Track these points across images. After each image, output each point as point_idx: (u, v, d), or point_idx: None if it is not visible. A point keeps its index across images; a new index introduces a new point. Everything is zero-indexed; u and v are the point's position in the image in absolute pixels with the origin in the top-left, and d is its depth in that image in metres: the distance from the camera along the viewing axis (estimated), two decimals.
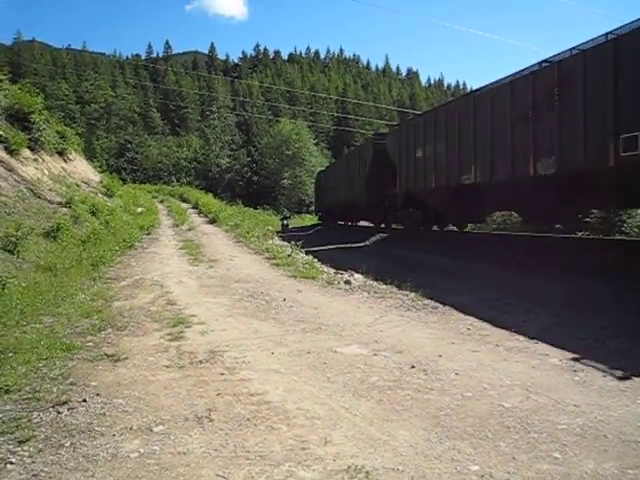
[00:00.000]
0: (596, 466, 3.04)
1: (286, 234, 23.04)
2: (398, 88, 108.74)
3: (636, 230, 17.53)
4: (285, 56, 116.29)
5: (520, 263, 10.82)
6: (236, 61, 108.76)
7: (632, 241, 13.20)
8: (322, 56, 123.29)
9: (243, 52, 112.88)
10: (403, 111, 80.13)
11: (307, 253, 14.07)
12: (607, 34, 9.81)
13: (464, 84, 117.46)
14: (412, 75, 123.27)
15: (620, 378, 4.51)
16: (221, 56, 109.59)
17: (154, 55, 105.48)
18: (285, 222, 31.52)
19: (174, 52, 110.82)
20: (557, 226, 14.97)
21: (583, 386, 4.35)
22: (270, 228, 23.84)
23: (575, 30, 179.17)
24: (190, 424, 3.70)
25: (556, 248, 11.82)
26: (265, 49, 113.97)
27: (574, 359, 5.05)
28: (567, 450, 3.23)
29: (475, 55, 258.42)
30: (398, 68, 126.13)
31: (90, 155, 41.66)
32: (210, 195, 40.18)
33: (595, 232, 16.26)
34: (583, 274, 9.08)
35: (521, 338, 5.85)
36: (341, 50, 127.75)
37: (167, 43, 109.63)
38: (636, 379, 4.46)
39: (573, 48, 10.75)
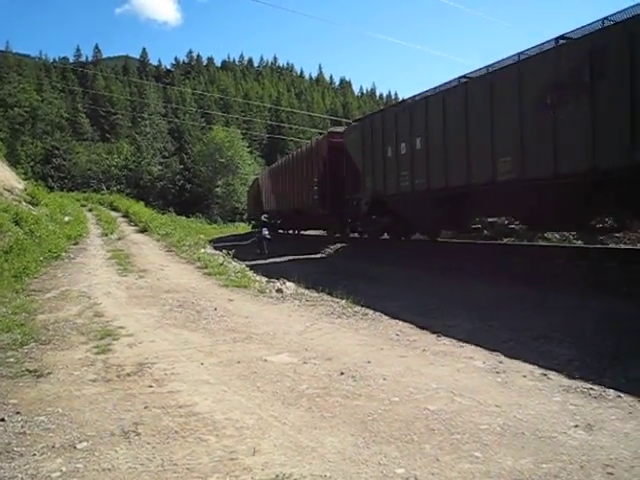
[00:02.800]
0: (514, 462, 3.16)
1: (264, 246, 19.84)
2: (331, 97, 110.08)
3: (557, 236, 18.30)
4: (219, 63, 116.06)
5: (462, 268, 11.15)
6: (169, 67, 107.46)
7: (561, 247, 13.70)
8: (256, 64, 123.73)
9: (176, 58, 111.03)
10: (336, 120, 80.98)
11: (250, 267, 13.59)
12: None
13: (395, 94, 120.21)
14: (345, 84, 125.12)
15: (538, 378, 4.72)
16: (153, 62, 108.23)
17: (82, 59, 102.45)
18: (264, 231, 20.67)
19: (104, 56, 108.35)
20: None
21: (504, 387, 4.52)
22: (202, 237, 23.48)
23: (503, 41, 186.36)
24: (116, 439, 3.60)
25: (505, 255, 12.18)
26: (198, 55, 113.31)
27: (497, 361, 5.24)
28: (488, 449, 3.35)
29: (406, 66, 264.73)
30: (331, 77, 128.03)
31: (14, 161, 39.98)
32: (141, 203, 39.14)
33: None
34: (518, 280, 9.50)
35: (448, 342, 6.02)
36: (275, 58, 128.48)
37: (96, 47, 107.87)
38: (553, 377, 4.68)
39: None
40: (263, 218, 21.90)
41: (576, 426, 3.67)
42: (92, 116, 77.57)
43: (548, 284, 9.12)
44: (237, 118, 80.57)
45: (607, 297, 7.87)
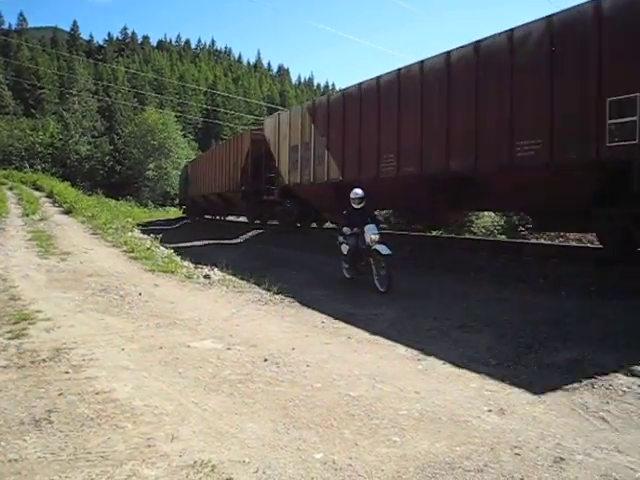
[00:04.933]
0: (429, 446, 3.24)
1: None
2: (269, 84, 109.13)
3: (483, 230, 19.03)
4: (154, 42, 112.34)
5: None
6: (101, 43, 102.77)
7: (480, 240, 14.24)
8: (193, 45, 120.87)
9: (109, 34, 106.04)
10: (273, 107, 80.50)
11: (171, 249, 13.49)
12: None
13: (333, 85, 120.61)
14: (283, 72, 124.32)
15: (457, 365, 4.86)
16: (84, 36, 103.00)
17: (5, 27, 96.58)
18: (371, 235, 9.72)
19: (30, 26, 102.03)
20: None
21: (425, 374, 4.63)
22: (130, 220, 22.82)
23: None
24: (26, 428, 3.44)
25: (429, 247, 12.65)
26: (133, 33, 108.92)
27: (419, 349, 5.36)
28: (405, 433, 3.42)
29: (343, 57, 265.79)
30: (270, 64, 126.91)
31: None
32: (67, 184, 37.55)
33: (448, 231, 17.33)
34: (443, 270, 9.74)
35: (372, 330, 6.11)
36: (213, 41, 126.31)
37: (21, 14, 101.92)
38: (471, 365, 4.83)
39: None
40: (354, 204, 9.37)
41: (489, 411, 3.80)
42: (15, 89, 73.40)
43: (472, 276, 9.41)
44: (171, 100, 78.72)
45: (525, 289, 8.20)
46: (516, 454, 3.16)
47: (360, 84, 13.57)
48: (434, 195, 11.58)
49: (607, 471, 2.96)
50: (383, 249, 8.28)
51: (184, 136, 64.30)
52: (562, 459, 3.09)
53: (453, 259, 10.85)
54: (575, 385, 4.34)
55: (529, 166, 9.07)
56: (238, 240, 19.30)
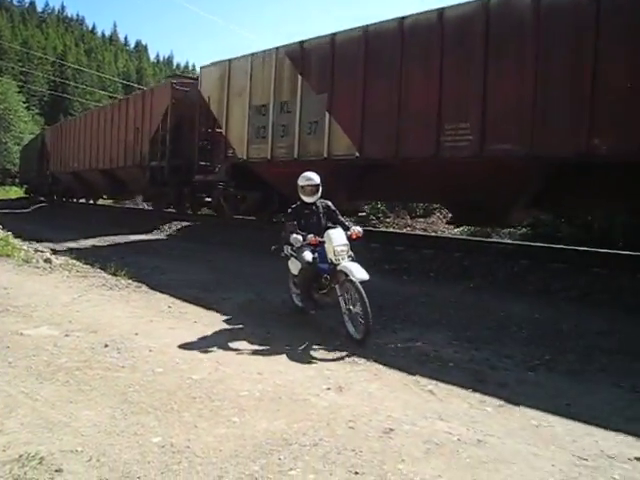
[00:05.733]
0: (268, 424, 3.34)
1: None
2: (125, 60, 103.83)
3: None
4: None
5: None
6: None
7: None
8: (39, 9, 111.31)
9: None
10: (129, 84, 76.73)
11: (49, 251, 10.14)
12: None
13: (193, 65, 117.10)
14: (140, 48, 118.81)
15: (301, 346, 5.04)
16: None
17: None
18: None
19: None
20: None
21: (266, 356, 4.74)
22: None
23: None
24: None
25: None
26: None
27: (265, 332, 5.48)
28: (245, 414, 3.49)
29: (204, 38, 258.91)
30: (126, 39, 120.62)
31: None
32: None
33: None
34: None
35: (219, 315, 6.14)
36: (63, 7, 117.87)
37: None
38: (313, 345, 5.04)
39: None
40: (305, 196, 6.15)
41: (328, 389, 4.00)
42: None
43: None
44: (13, 67, 72.13)
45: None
46: (350, 427, 3.35)
47: (403, 19, 9.38)
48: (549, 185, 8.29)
49: (429, 437, 3.25)
50: (356, 270, 5.23)
51: (27, 109, 59.20)
52: (391, 430, 3.33)
53: None
54: (410, 362, 4.68)
55: None
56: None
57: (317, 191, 5.95)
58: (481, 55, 8.22)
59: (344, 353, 4.87)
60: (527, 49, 7.77)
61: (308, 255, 5.59)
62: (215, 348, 4.84)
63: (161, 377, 4.06)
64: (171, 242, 14.16)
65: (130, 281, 7.64)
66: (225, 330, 5.52)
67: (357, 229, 5.70)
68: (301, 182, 5.96)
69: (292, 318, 6.18)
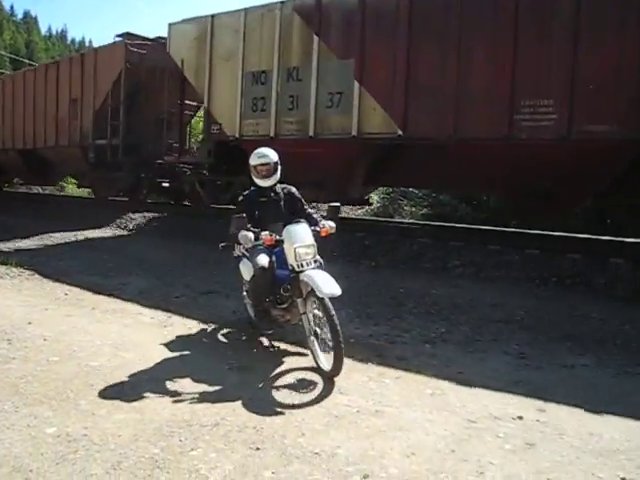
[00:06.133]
0: (169, 408, 3.32)
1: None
2: (12, 32, 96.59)
3: None
4: None
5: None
6: None
7: None
8: None
9: None
10: (18, 59, 71.84)
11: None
12: None
13: (90, 41, 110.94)
14: (30, 20, 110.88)
15: (203, 328, 5.04)
16: None
17: None
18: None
19: None
20: None
21: (167, 339, 4.71)
22: None
23: None
24: None
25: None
26: None
27: (166, 316, 5.41)
28: (145, 399, 3.44)
29: (101, 12, 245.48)
30: (13, 8, 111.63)
31: None
32: None
33: None
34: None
35: (118, 300, 6.00)
36: None
37: None
38: (216, 327, 5.03)
39: None
40: (259, 178, 4.79)
41: (230, 369, 4.02)
42: None
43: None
44: None
45: None
46: (251, 404, 3.40)
47: None
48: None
49: (330, 410, 3.34)
50: (322, 283, 3.92)
51: None
52: (293, 405, 3.43)
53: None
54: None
55: None
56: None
57: (275, 171, 4.67)
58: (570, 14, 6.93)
59: (251, 332, 4.90)
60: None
61: (262, 259, 4.35)
62: (113, 334, 4.73)
63: (57, 366, 3.92)
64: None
65: (22, 269, 7.26)
66: (122, 315, 5.40)
67: (329, 224, 4.48)
68: (253, 161, 4.68)
69: (197, 301, 6.12)
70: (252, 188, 4.76)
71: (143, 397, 3.46)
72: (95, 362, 4.03)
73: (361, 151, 8.86)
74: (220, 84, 10.66)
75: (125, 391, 3.54)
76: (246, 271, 4.64)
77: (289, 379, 3.86)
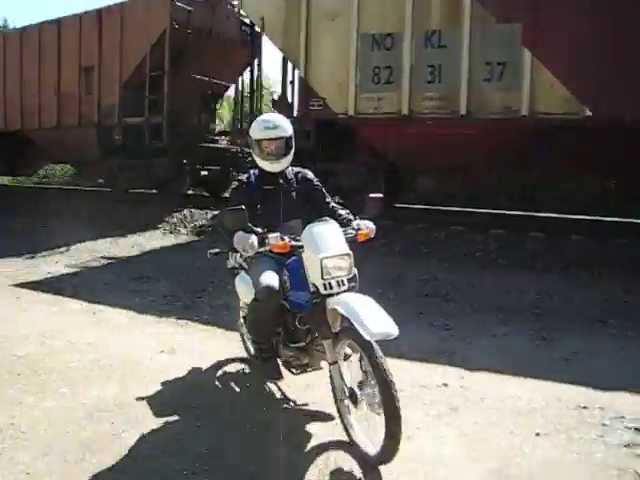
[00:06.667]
0: (100, 392, 3.33)
1: None
2: None
3: None
4: None
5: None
6: None
7: None
8: None
9: None
10: None
11: None
12: None
13: (9, 23, 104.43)
14: None
15: (133, 314, 5.01)
16: None
17: None
18: None
19: None
20: None
21: (99, 326, 4.67)
22: None
23: None
24: None
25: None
26: None
27: (95, 303, 5.33)
28: (75, 384, 3.43)
29: None
30: None
31: None
32: None
33: None
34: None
35: (46, 289, 5.88)
36: None
37: None
38: (148, 312, 5.03)
39: None
40: (265, 160, 3.21)
41: (162, 352, 4.03)
42: None
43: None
44: None
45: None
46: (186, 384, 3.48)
47: None
48: None
49: None
50: (368, 316, 2.53)
51: None
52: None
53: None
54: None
55: None
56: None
57: (288, 151, 3.21)
58: None
59: (178, 316, 4.90)
60: None
61: (268, 275, 2.97)
62: (40, 323, 4.65)
63: None
64: None
65: None
66: (48, 304, 5.32)
67: (366, 224, 3.11)
68: (256, 133, 3.19)
69: (128, 287, 6.04)
70: (252, 171, 3.36)
71: (73, 383, 3.46)
72: (21, 351, 3.96)
73: (534, 134, 7.31)
74: (322, 49, 8.42)
75: (53, 378, 3.53)
76: (244, 291, 3.30)
77: (220, 357, 3.88)
